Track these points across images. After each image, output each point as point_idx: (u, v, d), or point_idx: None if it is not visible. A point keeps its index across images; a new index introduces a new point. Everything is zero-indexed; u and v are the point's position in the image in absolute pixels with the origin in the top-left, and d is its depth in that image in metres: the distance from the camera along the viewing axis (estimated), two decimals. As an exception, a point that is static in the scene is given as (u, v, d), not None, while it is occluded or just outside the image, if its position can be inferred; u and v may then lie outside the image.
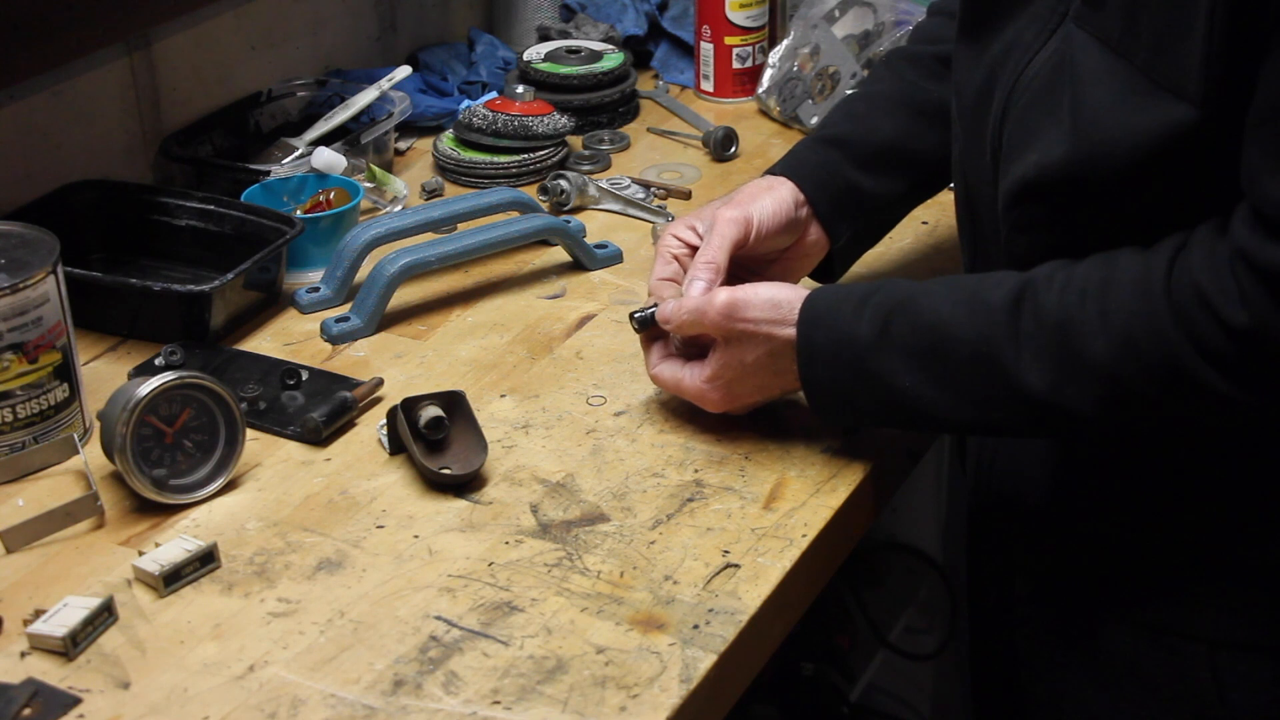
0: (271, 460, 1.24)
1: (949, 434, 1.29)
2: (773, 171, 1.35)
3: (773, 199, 1.31)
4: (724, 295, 1.19)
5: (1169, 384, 1.00)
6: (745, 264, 1.31)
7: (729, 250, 1.26)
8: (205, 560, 1.11)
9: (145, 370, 1.33)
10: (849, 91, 1.64)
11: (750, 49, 1.90)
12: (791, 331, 1.16)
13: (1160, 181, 1.01)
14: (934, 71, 1.37)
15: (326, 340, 1.41)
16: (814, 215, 1.33)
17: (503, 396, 1.32)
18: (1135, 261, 1.02)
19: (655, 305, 1.25)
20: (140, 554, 1.11)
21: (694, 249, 1.30)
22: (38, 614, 1.05)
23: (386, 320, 1.43)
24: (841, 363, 1.13)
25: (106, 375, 1.35)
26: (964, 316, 1.08)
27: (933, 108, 1.36)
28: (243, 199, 1.54)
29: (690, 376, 1.23)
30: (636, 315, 1.25)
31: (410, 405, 1.21)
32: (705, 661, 1.02)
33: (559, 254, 1.56)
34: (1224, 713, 1.11)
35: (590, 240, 1.56)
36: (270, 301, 1.47)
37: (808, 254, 1.35)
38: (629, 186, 1.66)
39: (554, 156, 1.73)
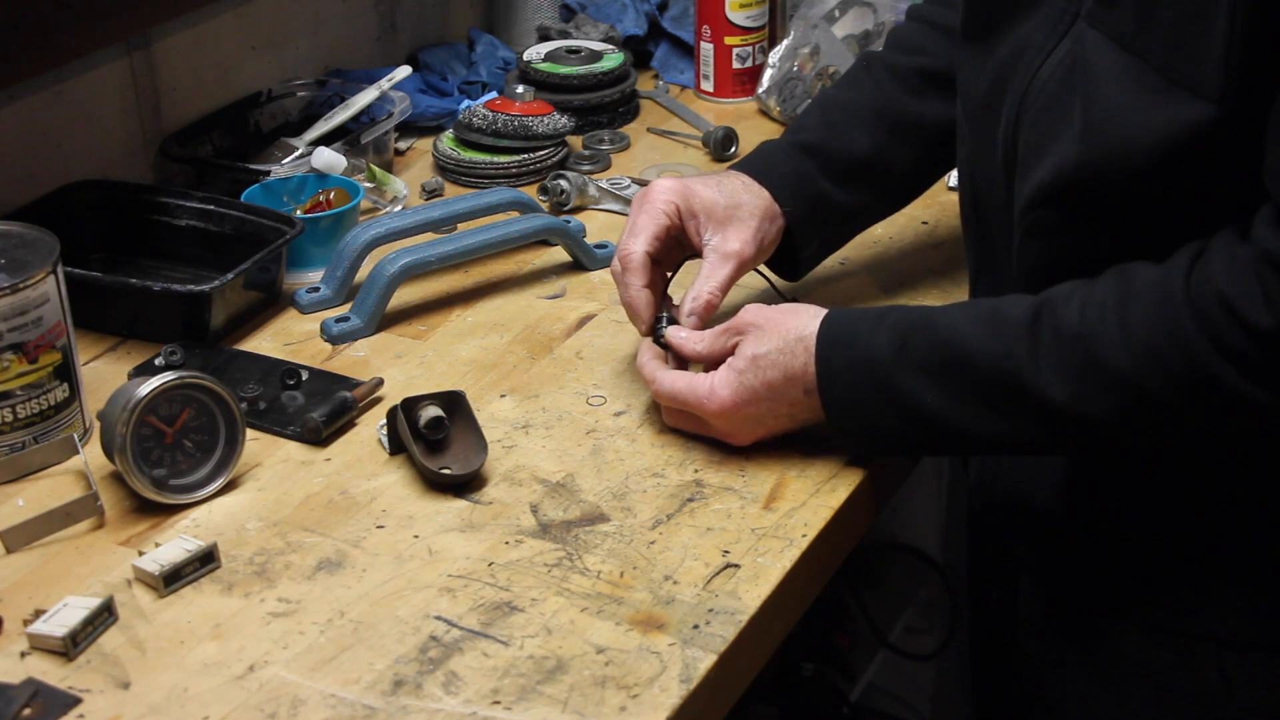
0: (271, 460, 1.24)
1: (969, 454, 1.28)
2: (746, 170, 1.34)
3: (775, 233, 1.32)
4: (743, 318, 1.19)
5: (1193, 390, 1.00)
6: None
7: (729, 290, 1.28)
8: (205, 560, 1.11)
9: (145, 370, 1.33)
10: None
11: (750, 49, 1.90)
12: (810, 353, 1.15)
13: (1175, 183, 1.00)
14: (914, 86, 1.37)
15: (326, 340, 1.41)
16: (786, 226, 1.33)
17: (503, 396, 1.32)
18: (1152, 273, 1.02)
19: (667, 316, 1.27)
20: (140, 554, 1.11)
21: (680, 229, 1.29)
22: (38, 614, 1.05)
23: (386, 320, 1.43)
24: (860, 381, 1.13)
25: (106, 375, 1.35)
26: (982, 332, 1.08)
27: (909, 124, 1.36)
28: (243, 199, 1.53)
29: (702, 379, 1.20)
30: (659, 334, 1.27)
31: (410, 405, 1.21)
32: (705, 661, 1.02)
33: (559, 254, 1.56)
34: (1232, 712, 1.11)
35: (590, 240, 1.56)
36: (270, 301, 1.47)
37: (759, 263, 1.35)
38: (629, 186, 1.66)
39: (554, 156, 1.73)
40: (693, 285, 1.28)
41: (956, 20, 1.32)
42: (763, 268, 1.39)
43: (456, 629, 1.05)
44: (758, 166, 1.35)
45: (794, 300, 1.37)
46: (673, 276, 1.35)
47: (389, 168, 1.73)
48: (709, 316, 1.27)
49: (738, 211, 1.30)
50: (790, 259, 1.37)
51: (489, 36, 2.01)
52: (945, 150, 1.37)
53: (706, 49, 1.91)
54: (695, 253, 1.32)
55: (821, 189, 1.34)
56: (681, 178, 1.32)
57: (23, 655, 1.04)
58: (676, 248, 1.32)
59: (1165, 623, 1.13)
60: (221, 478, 1.19)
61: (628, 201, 1.64)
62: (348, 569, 1.11)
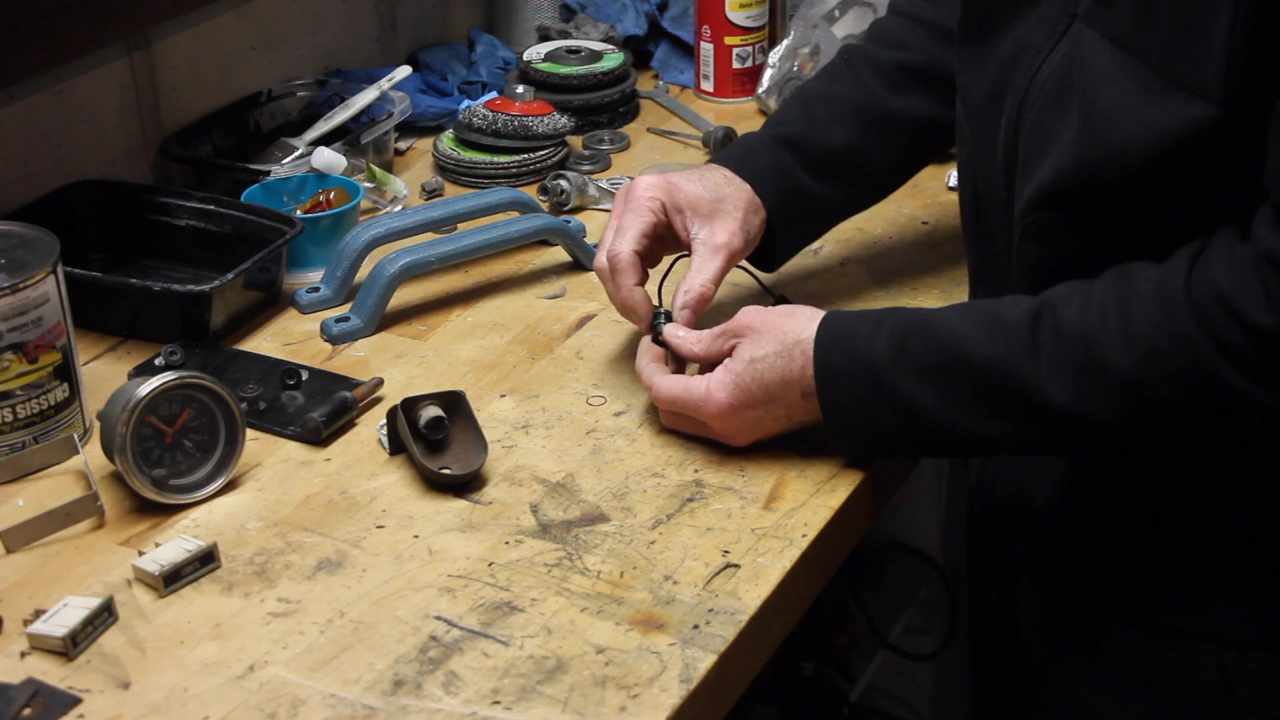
0: (271, 460, 1.24)
1: (969, 456, 1.28)
2: (726, 164, 1.35)
3: (758, 225, 1.32)
4: (740, 320, 1.19)
5: (1195, 391, 1.00)
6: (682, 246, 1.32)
7: (720, 282, 1.28)
8: (205, 560, 1.11)
9: (145, 370, 1.33)
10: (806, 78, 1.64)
11: (750, 49, 1.90)
12: (808, 356, 1.15)
13: (1175, 183, 1.00)
14: (895, 82, 1.37)
15: (326, 340, 1.41)
16: (765, 219, 1.34)
17: (503, 396, 1.32)
18: (1152, 274, 1.02)
19: (665, 313, 1.27)
20: (140, 554, 1.11)
21: (666, 225, 1.29)
22: (38, 614, 1.05)
23: (386, 320, 1.43)
24: (859, 384, 1.12)
25: (106, 375, 1.35)
26: (981, 334, 1.08)
27: (890, 119, 1.37)
28: (243, 199, 1.53)
29: (699, 382, 1.20)
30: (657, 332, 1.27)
31: (410, 405, 1.21)
32: (705, 661, 1.02)
33: (559, 254, 1.56)
34: (1232, 712, 1.11)
35: (590, 240, 1.56)
36: (270, 301, 1.47)
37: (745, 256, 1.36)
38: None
39: (554, 156, 1.73)
40: (685, 279, 1.28)
41: (939, 16, 1.32)
42: (750, 267, 1.39)
43: (456, 629, 1.05)
44: (739, 160, 1.35)
45: (784, 300, 1.38)
46: (667, 274, 1.35)
47: (389, 168, 1.73)
48: (702, 310, 1.27)
49: (722, 205, 1.30)
50: (767, 251, 1.38)
51: (489, 36, 2.01)
52: (925, 145, 1.38)
53: (706, 49, 1.91)
54: (680, 250, 1.32)
55: (801, 183, 1.35)
56: (663, 173, 1.32)
57: (23, 655, 1.04)
58: (661, 245, 1.32)
59: (1165, 623, 1.13)
60: (221, 478, 1.19)
61: (628, 201, 1.64)
62: (348, 569, 1.11)
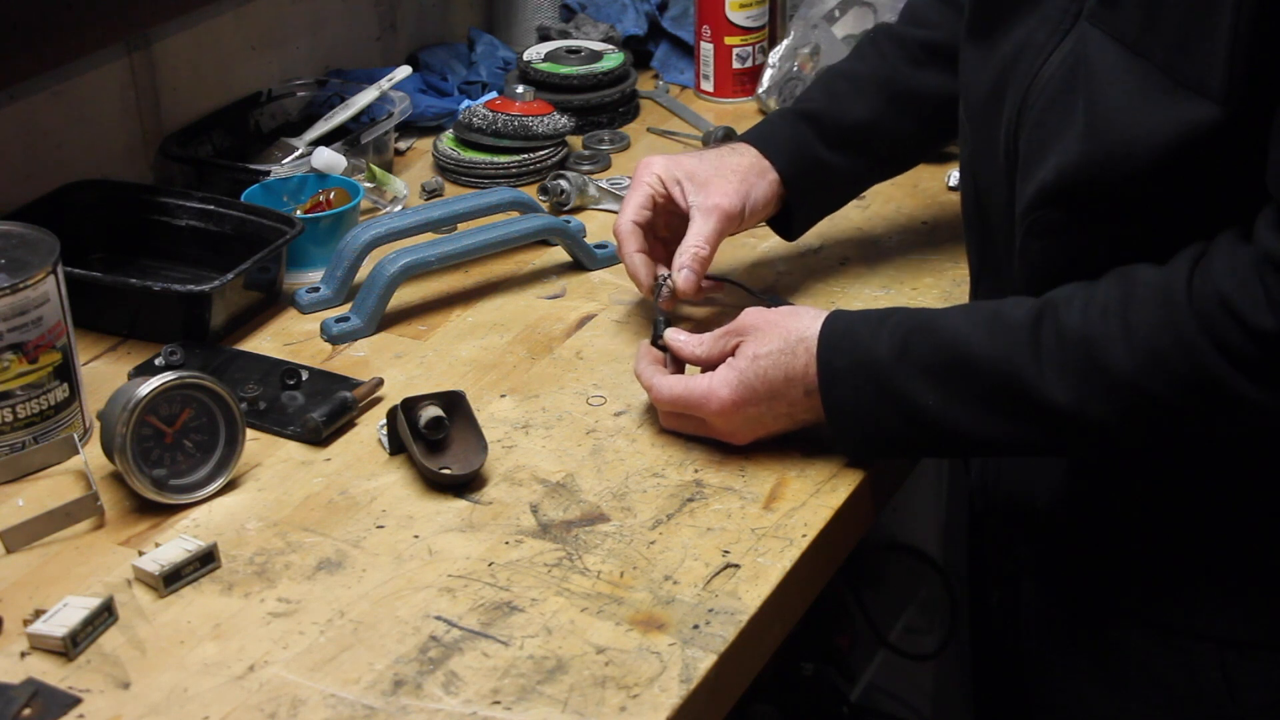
0: (271, 460, 1.24)
1: (970, 455, 1.28)
2: (745, 139, 1.40)
3: (765, 188, 1.36)
4: (743, 320, 1.20)
5: (1196, 392, 1.00)
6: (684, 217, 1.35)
7: (717, 242, 1.33)
8: (205, 560, 1.11)
9: (145, 370, 1.33)
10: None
11: (750, 49, 1.90)
12: (811, 354, 1.16)
13: (1178, 183, 1.00)
14: (917, 57, 1.41)
15: (326, 340, 1.41)
16: (781, 190, 1.37)
17: (503, 396, 1.32)
18: (1154, 275, 1.02)
19: (665, 319, 1.29)
20: (140, 554, 1.11)
21: (669, 201, 1.35)
22: (38, 614, 1.05)
23: (386, 320, 1.43)
24: (862, 383, 1.13)
25: (106, 375, 1.35)
26: (984, 335, 1.08)
27: (910, 94, 1.41)
28: (243, 199, 1.54)
29: (701, 379, 1.20)
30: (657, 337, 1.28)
31: (410, 405, 1.21)
32: (705, 661, 1.02)
33: (559, 254, 1.56)
34: (1235, 712, 1.11)
35: (590, 240, 1.56)
36: (270, 301, 1.46)
37: (756, 220, 1.40)
38: (629, 187, 1.66)
39: (554, 156, 1.73)
40: (682, 242, 1.32)
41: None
42: (741, 281, 1.42)
43: (456, 629, 1.05)
44: (758, 134, 1.41)
45: (777, 300, 1.38)
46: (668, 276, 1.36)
47: (389, 168, 1.73)
48: (702, 270, 1.31)
49: (721, 172, 1.35)
50: (786, 220, 1.42)
51: (489, 36, 2.01)
52: (943, 122, 1.41)
53: (706, 49, 1.91)
54: (683, 223, 1.36)
55: (817, 154, 1.39)
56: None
57: (23, 655, 1.04)
58: (666, 216, 1.37)
59: (1167, 623, 1.13)
60: (221, 478, 1.19)
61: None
62: (348, 569, 1.11)
